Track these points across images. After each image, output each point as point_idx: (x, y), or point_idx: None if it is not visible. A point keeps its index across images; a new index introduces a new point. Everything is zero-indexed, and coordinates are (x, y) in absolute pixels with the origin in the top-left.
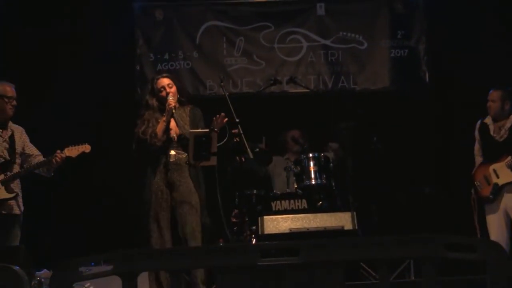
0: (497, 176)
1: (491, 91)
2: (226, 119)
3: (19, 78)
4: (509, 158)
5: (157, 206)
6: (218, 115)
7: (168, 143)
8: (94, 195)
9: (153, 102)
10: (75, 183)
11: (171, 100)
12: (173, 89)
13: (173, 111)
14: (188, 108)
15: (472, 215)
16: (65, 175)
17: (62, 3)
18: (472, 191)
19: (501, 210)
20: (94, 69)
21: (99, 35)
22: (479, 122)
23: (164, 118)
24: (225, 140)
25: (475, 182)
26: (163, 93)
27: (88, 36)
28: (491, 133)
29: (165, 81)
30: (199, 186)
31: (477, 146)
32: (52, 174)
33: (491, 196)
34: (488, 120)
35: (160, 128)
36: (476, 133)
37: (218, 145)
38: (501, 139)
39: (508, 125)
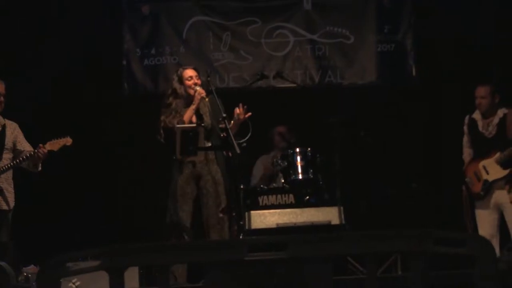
0: (487, 173)
1: (478, 88)
2: (250, 113)
3: (8, 73)
4: (498, 154)
5: (182, 199)
6: (240, 107)
7: None
8: (83, 191)
9: (181, 90)
10: (64, 179)
11: (201, 90)
12: (199, 81)
13: (206, 99)
14: (207, 100)
15: (462, 210)
16: (54, 170)
17: None
18: (463, 187)
19: (492, 207)
20: (81, 64)
21: (86, 29)
22: (467, 117)
23: (194, 106)
24: (248, 136)
25: (466, 179)
26: (191, 82)
27: (75, 31)
28: (480, 129)
29: (193, 72)
30: (226, 179)
31: (465, 138)
32: (40, 169)
33: (481, 193)
34: (476, 115)
35: (188, 116)
36: (465, 128)
37: (242, 141)
38: (490, 136)
39: (496, 121)
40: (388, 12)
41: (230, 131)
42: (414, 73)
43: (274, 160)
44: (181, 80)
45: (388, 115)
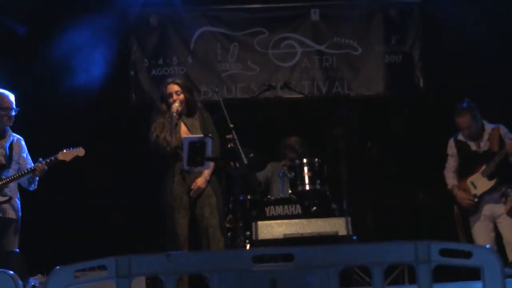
0: (475, 187)
1: (458, 119)
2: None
3: (17, 82)
4: (483, 167)
5: (176, 211)
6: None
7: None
8: (90, 200)
9: (163, 107)
10: (70, 187)
11: (175, 106)
12: (181, 96)
13: (175, 114)
14: (197, 114)
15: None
16: (60, 179)
17: (58, 8)
18: (455, 207)
19: (485, 218)
20: (89, 75)
21: (94, 40)
22: (452, 140)
23: (172, 125)
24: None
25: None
26: (171, 100)
27: (84, 42)
28: (474, 148)
29: (174, 88)
30: (217, 190)
31: (451, 163)
32: (35, 187)
33: (472, 208)
34: (463, 137)
35: (169, 134)
36: (453, 150)
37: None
38: (481, 151)
39: (486, 136)
40: (396, 23)
41: (237, 141)
42: (421, 84)
43: (282, 170)
44: (163, 97)
45: (395, 126)
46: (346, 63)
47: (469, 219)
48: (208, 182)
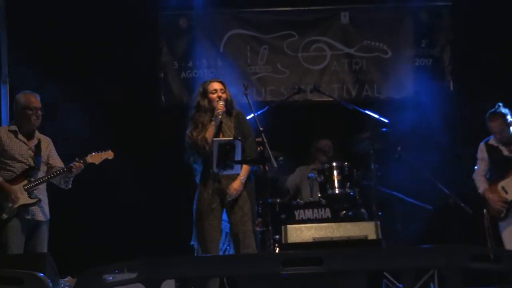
0: (506, 192)
1: (491, 123)
2: None
3: (47, 84)
4: None
5: (208, 215)
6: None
7: None
8: (118, 202)
9: (205, 103)
10: (100, 190)
11: (220, 105)
12: (225, 95)
13: (220, 116)
14: (233, 114)
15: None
16: (88, 181)
17: (89, 10)
18: (484, 211)
19: None
20: (119, 77)
21: (125, 42)
22: (483, 144)
23: (213, 123)
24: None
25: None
26: (215, 96)
27: (114, 44)
28: (506, 153)
29: (218, 85)
30: (251, 195)
31: (481, 167)
32: (70, 186)
33: (502, 214)
34: (494, 141)
35: (210, 133)
36: (484, 155)
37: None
38: None
39: None
40: (426, 27)
41: (266, 144)
42: (451, 87)
43: (311, 174)
44: (205, 93)
45: (425, 130)
46: (375, 66)
47: (498, 224)
48: (244, 186)
